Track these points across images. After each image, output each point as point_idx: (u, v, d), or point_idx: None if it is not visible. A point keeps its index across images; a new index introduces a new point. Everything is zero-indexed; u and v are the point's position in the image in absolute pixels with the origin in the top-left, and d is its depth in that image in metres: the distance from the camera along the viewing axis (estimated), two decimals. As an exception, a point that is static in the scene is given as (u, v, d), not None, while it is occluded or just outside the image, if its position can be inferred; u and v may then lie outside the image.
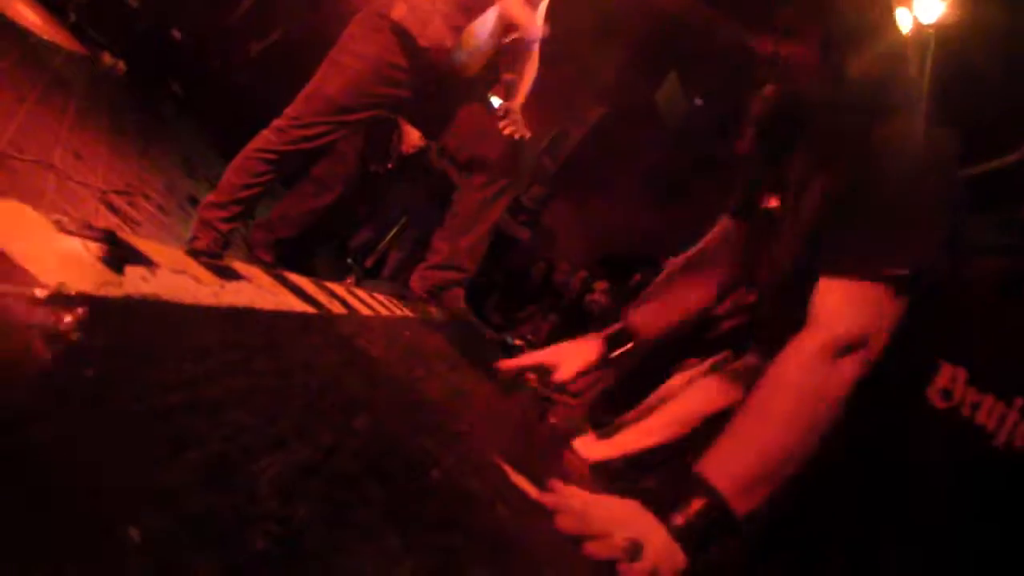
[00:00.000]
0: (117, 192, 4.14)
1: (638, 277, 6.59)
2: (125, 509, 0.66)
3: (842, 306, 1.88)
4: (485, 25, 4.26)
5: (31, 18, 5.30)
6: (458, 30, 4.20)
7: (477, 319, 4.82)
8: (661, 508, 1.73)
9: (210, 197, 4.33)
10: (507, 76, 4.60)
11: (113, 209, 3.92)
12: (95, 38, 6.91)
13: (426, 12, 4.10)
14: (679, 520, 1.70)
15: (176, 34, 7.77)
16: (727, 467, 1.76)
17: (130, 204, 4.20)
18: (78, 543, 0.59)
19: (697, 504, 1.72)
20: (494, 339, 4.82)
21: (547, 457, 2.64)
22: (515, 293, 6.71)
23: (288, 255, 4.87)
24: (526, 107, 4.60)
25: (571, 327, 5.26)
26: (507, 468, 1.86)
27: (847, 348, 1.84)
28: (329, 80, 4.25)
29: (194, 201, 5.16)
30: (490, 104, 4.66)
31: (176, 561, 0.65)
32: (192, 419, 0.88)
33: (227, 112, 7.03)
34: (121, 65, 7.12)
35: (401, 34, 4.14)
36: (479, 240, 4.50)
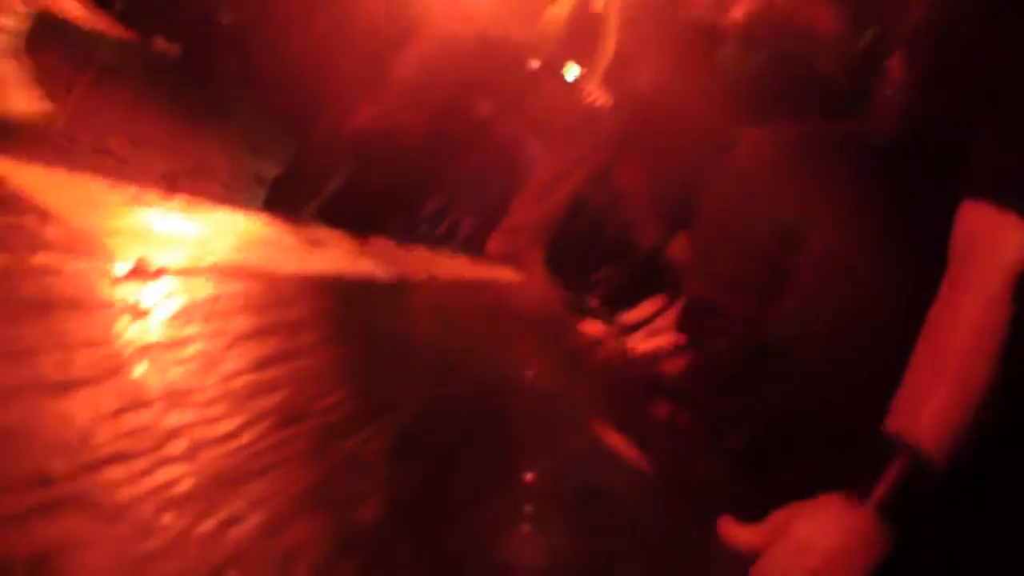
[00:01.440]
0: (181, 175, 4.13)
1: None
2: (232, 487, 0.62)
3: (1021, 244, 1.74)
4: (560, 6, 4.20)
5: (75, 11, 5.29)
6: (532, 15, 4.15)
7: (555, 281, 4.77)
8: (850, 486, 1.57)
9: (282, 173, 4.32)
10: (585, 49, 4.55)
11: (177, 192, 3.91)
12: (145, 25, 6.86)
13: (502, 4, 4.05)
14: (881, 492, 1.53)
15: (225, 17, 7.74)
16: (918, 419, 1.61)
17: (194, 185, 4.18)
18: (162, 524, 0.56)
19: (897, 467, 1.56)
20: (572, 300, 4.78)
21: (635, 413, 2.60)
22: (590, 254, 6.66)
23: (362, 226, 4.84)
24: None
25: (648, 285, 5.20)
26: (601, 427, 1.83)
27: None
28: (403, 62, 4.20)
29: (261, 179, 5.14)
30: (567, 75, 4.60)
31: (288, 532, 0.62)
32: (293, 392, 0.84)
33: (289, 87, 7.01)
34: (176, 48, 7.09)
35: (479, 25, 4.09)
36: (558, 205, 4.45)
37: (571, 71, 4.49)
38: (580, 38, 4.46)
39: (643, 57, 5.65)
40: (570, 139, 4.34)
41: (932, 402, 1.60)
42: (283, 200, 4.20)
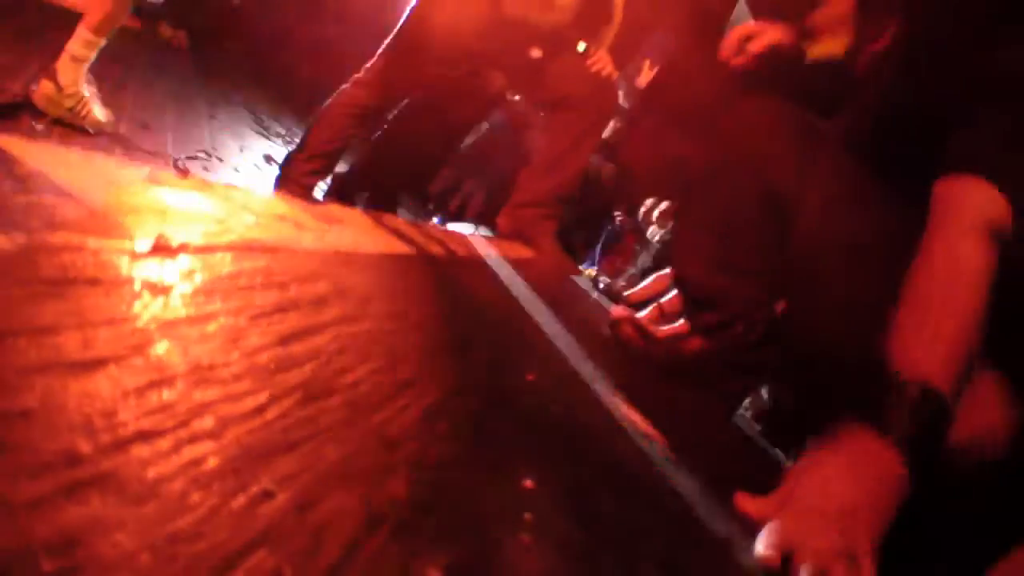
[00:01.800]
0: (189, 157, 4.12)
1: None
2: (260, 463, 0.62)
3: (988, 199, 1.81)
4: None
5: (75, 1, 5.28)
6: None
7: (566, 256, 4.77)
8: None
9: (292, 152, 4.32)
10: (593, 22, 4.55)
11: (187, 175, 3.90)
12: (151, 11, 6.86)
13: None
14: (896, 424, 1.53)
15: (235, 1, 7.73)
16: (917, 355, 1.62)
17: (204, 168, 4.18)
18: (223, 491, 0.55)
19: (909, 398, 1.55)
20: (584, 276, 4.78)
21: (651, 388, 2.61)
22: (601, 229, 6.66)
23: (375, 203, 4.82)
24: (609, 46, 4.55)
25: (658, 262, 5.21)
26: (619, 401, 1.83)
27: (994, 232, 1.77)
28: (413, 35, 4.18)
29: (269, 159, 5.14)
30: (576, 47, 4.58)
31: (318, 507, 0.61)
32: (318, 368, 0.84)
33: (296, 70, 7.02)
34: (181, 35, 7.10)
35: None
36: (567, 179, 4.44)
37: (580, 45, 4.47)
38: (589, 12, 4.45)
39: (653, 33, 5.64)
40: (578, 111, 4.34)
41: (928, 339, 1.62)
42: (294, 180, 4.21)
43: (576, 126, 4.37)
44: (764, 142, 2.63)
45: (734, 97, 3.06)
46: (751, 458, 2.55)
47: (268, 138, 5.83)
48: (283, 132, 6.07)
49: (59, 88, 3.37)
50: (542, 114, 5.31)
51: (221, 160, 4.55)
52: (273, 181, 4.35)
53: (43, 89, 3.36)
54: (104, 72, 3.72)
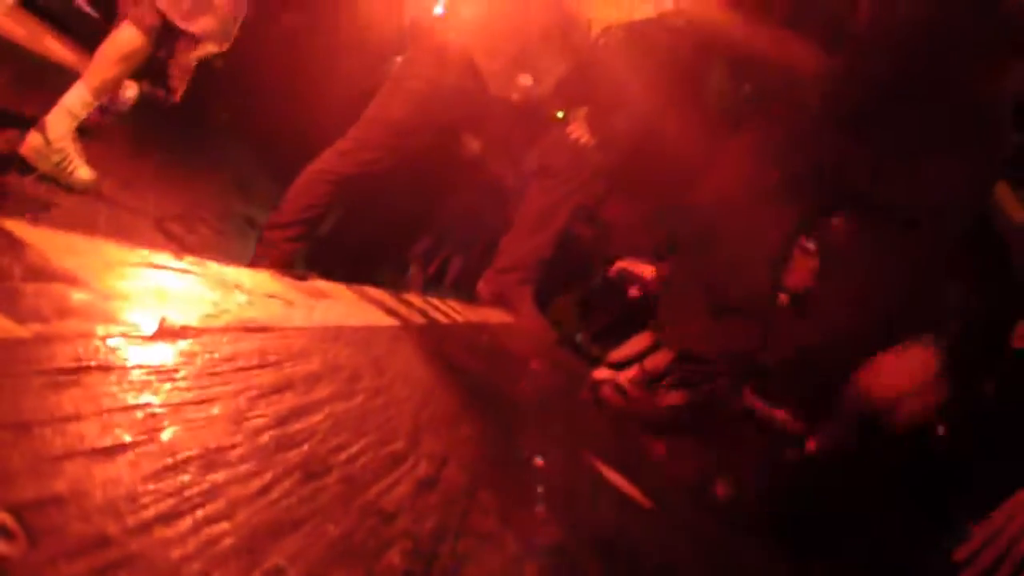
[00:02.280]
0: (173, 218, 4.14)
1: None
2: (269, 541, 0.66)
3: None
4: (548, 54, 4.26)
5: (64, 54, 5.30)
6: (523, 63, 4.19)
7: (546, 319, 4.80)
8: None
9: (273, 218, 4.32)
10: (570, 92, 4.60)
11: (171, 236, 3.93)
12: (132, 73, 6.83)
13: (493, 49, 4.09)
14: None
15: (217, 63, 7.73)
16: None
17: (188, 230, 4.20)
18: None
19: None
20: (564, 338, 4.81)
21: (631, 449, 2.63)
22: (580, 291, 6.69)
23: (353, 268, 4.84)
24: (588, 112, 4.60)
25: (638, 323, 5.23)
26: (600, 464, 1.86)
27: None
28: (395, 103, 4.19)
29: (251, 223, 5.15)
30: (555, 116, 4.65)
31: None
32: (315, 445, 0.88)
33: (277, 135, 7.02)
34: (161, 93, 7.07)
35: (470, 69, 4.10)
36: (546, 243, 4.49)
37: (559, 113, 4.54)
38: (567, 85, 4.50)
39: (632, 95, 5.71)
40: (557, 178, 4.39)
41: None
42: (274, 247, 4.22)
43: (555, 192, 4.42)
44: (754, 201, 2.67)
45: (711, 156, 3.11)
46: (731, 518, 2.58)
47: (249, 199, 5.83)
48: (264, 194, 6.08)
49: (47, 141, 3.40)
50: (521, 179, 5.35)
51: (204, 222, 4.57)
52: (254, 246, 4.35)
53: (31, 141, 3.39)
54: (87, 129, 3.74)
